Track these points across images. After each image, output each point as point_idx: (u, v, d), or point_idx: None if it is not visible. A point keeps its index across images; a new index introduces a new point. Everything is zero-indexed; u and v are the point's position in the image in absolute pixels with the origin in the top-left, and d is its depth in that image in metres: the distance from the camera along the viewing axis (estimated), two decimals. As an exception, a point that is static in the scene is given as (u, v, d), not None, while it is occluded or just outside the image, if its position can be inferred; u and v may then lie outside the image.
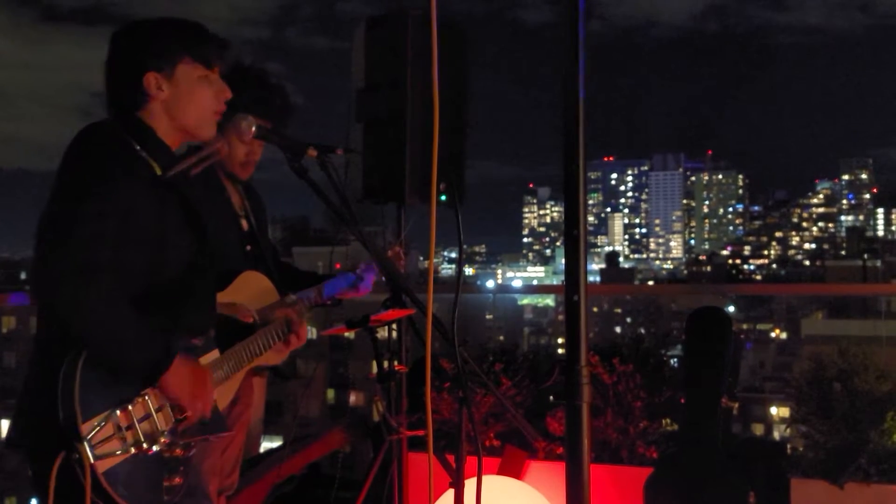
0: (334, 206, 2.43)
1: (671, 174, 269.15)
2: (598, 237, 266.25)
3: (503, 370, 4.84)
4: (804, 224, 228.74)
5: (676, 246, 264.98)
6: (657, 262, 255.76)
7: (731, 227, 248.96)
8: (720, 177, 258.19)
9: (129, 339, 2.19)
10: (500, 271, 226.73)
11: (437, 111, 2.18)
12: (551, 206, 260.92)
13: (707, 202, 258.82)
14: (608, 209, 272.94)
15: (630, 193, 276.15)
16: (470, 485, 2.65)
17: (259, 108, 3.07)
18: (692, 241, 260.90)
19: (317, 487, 4.45)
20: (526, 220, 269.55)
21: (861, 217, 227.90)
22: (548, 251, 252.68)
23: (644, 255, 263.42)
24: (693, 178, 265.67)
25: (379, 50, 3.67)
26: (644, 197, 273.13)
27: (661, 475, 4.21)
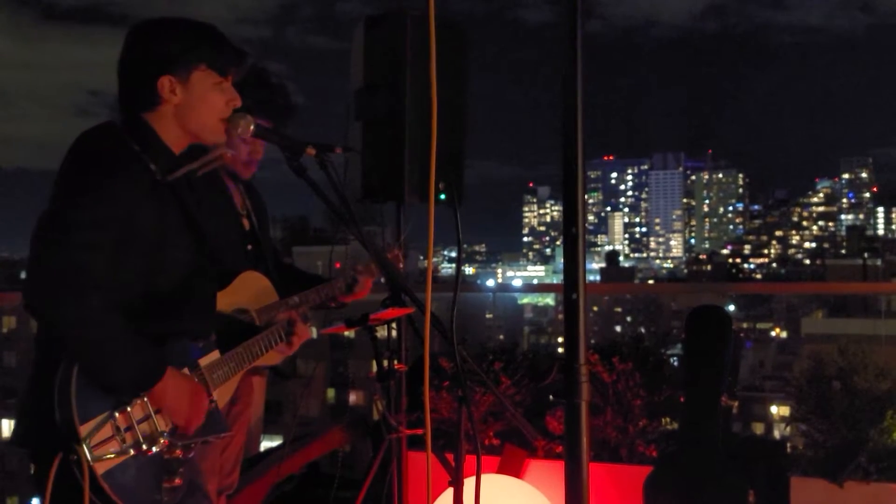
0: (333, 206, 2.43)
1: (671, 173, 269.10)
2: (599, 236, 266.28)
3: (503, 369, 4.84)
4: (804, 223, 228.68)
5: (676, 245, 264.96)
6: (657, 262, 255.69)
7: (731, 226, 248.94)
8: (720, 176, 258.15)
9: (115, 356, 2.17)
10: (500, 270, 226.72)
11: (436, 111, 2.18)
12: (551, 205, 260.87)
13: (707, 201, 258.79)
14: (608, 208, 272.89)
15: (630, 192, 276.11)
16: (469, 483, 2.65)
17: (260, 107, 3.08)
18: (692, 241, 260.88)
19: (316, 486, 4.45)
20: (526, 220, 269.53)
21: (861, 216, 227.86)
22: (548, 250, 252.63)
23: (644, 255, 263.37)
24: (693, 178, 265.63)
25: (378, 49, 3.67)
26: (644, 196, 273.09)
27: (660, 474, 4.21)
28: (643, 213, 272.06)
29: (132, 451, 2.20)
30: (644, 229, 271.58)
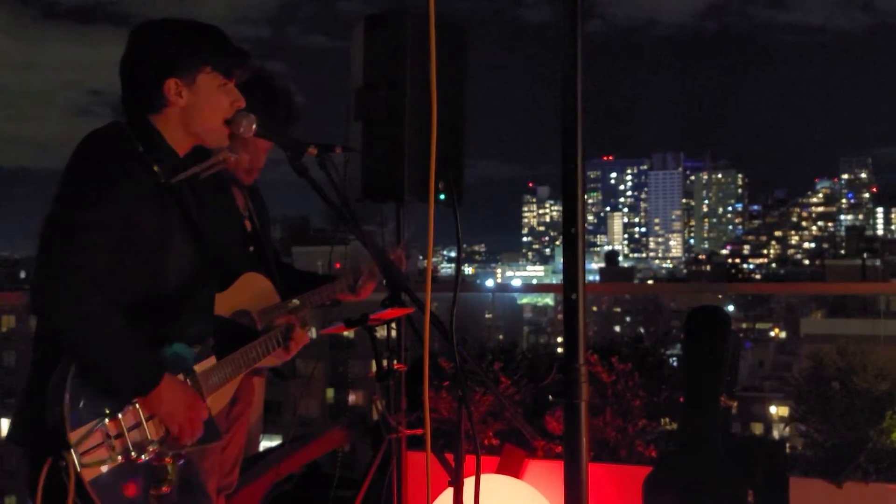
0: (334, 205, 2.43)
1: (670, 173, 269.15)
2: (598, 236, 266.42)
3: (502, 369, 4.84)
4: (803, 223, 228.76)
5: (676, 245, 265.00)
6: (656, 262, 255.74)
7: (730, 227, 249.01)
8: (720, 176, 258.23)
9: (115, 358, 2.17)
10: (499, 270, 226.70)
11: (436, 110, 2.19)
12: (551, 205, 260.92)
13: (706, 201, 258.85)
14: (607, 208, 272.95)
15: (629, 192, 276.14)
16: (469, 483, 2.66)
17: (264, 110, 3.08)
18: (692, 241, 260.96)
19: (316, 486, 4.45)
20: (525, 220, 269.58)
21: (860, 216, 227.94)
22: (547, 250, 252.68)
23: (643, 255, 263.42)
24: (692, 178, 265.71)
25: (378, 49, 3.67)
26: (643, 196, 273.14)
27: (659, 474, 4.21)
28: (642, 214, 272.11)
29: (121, 459, 2.19)
30: (643, 229, 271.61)
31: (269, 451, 4.21)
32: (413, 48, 3.57)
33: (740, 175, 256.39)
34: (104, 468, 2.16)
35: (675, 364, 5.13)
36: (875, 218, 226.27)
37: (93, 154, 2.28)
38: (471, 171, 3.99)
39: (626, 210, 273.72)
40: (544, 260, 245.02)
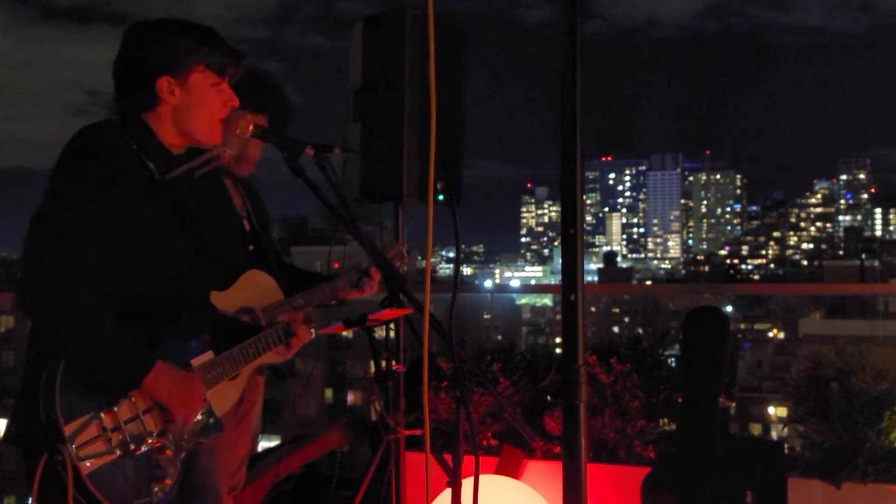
0: (332, 206, 2.42)
1: (669, 174, 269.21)
2: (596, 237, 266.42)
3: (501, 370, 4.84)
4: (802, 224, 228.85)
5: (674, 246, 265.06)
6: (655, 262, 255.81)
7: (728, 227, 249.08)
8: (718, 177, 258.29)
9: (103, 355, 2.18)
10: (498, 271, 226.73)
11: (434, 110, 2.18)
12: (549, 205, 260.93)
13: (705, 202, 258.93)
14: (606, 209, 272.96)
15: (628, 193, 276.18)
16: (467, 484, 2.65)
17: (258, 109, 3.08)
18: (690, 241, 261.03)
19: (315, 486, 4.45)
20: (524, 220, 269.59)
21: (859, 217, 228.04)
22: (546, 251, 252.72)
23: (642, 255, 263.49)
24: (691, 178, 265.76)
25: (377, 49, 3.67)
26: (642, 197, 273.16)
27: (658, 475, 4.21)
28: (641, 214, 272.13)
29: (119, 452, 2.19)
30: (642, 230, 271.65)
31: (269, 451, 4.21)
32: (412, 48, 3.57)
33: (739, 176, 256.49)
34: (102, 461, 2.16)
35: (673, 365, 5.13)
36: (873, 219, 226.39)
37: (84, 149, 2.28)
38: (469, 171, 3.99)
39: (624, 211, 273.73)
40: (543, 260, 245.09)
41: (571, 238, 2.32)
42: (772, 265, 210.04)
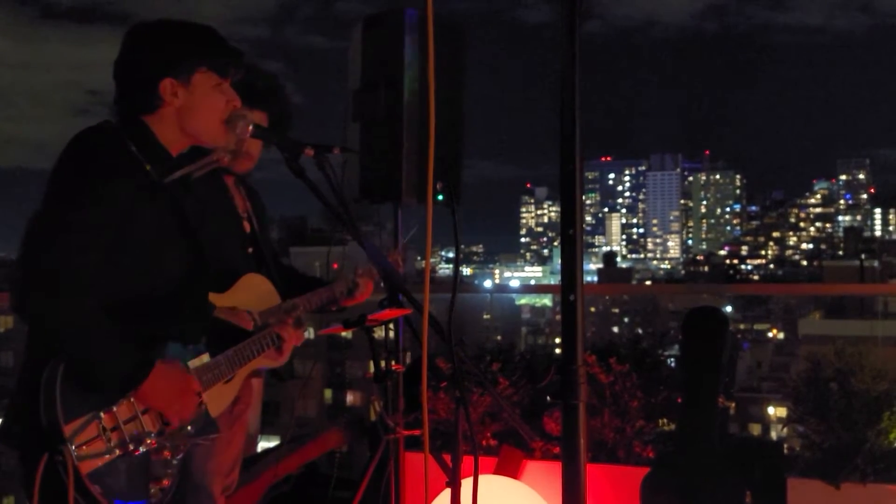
0: (331, 206, 2.42)
1: (669, 174, 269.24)
2: (596, 237, 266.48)
3: (500, 370, 4.84)
4: (801, 224, 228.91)
5: (674, 246, 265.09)
6: (654, 262, 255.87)
7: (728, 228, 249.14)
8: (718, 177, 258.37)
9: (102, 356, 2.18)
10: (497, 271, 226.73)
11: (434, 111, 2.18)
12: (549, 205, 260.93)
13: (704, 202, 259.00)
14: (606, 209, 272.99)
15: (627, 193, 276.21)
16: (466, 484, 2.65)
17: (257, 108, 3.08)
18: (690, 241, 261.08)
19: (314, 487, 4.45)
20: (523, 220, 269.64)
21: (858, 217, 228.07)
22: (545, 251, 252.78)
23: (641, 255, 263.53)
24: (691, 179, 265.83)
25: (376, 49, 3.67)
26: (641, 197, 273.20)
27: (657, 475, 4.21)
28: (640, 214, 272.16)
29: (118, 452, 2.19)
30: (641, 230, 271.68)
31: (268, 451, 4.21)
32: (411, 49, 3.57)
33: (738, 176, 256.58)
34: (101, 461, 2.16)
35: (673, 365, 5.13)
36: (873, 219, 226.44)
37: (83, 152, 2.27)
38: (469, 171, 4.00)
39: (624, 211, 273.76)
40: (542, 261, 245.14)
41: (571, 238, 2.32)
42: (771, 265, 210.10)
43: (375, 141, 3.64)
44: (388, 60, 3.61)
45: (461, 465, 2.88)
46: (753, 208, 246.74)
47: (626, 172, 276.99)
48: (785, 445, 5.05)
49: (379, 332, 3.28)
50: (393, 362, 3.37)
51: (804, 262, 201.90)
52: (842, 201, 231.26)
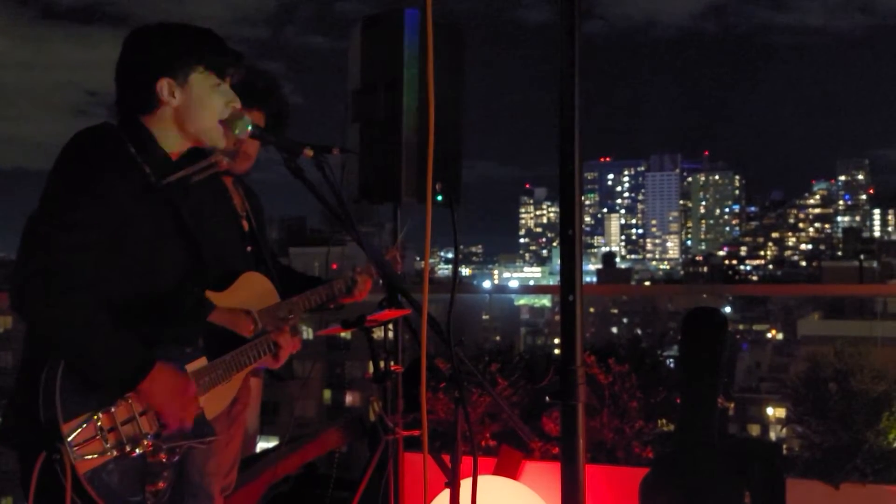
0: (331, 207, 2.42)
1: (668, 175, 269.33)
2: (595, 238, 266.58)
3: (499, 370, 4.84)
4: (801, 225, 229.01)
5: (673, 246, 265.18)
6: (654, 263, 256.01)
7: (727, 228, 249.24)
8: (717, 177, 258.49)
9: (100, 357, 2.17)
10: (496, 271, 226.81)
11: (433, 111, 2.18)
12: (548, 206, 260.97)
13: (704, 203, 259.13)
14: (605, 210, 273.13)
15: (627, 194, 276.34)
16: (466, 485, 2.65)
17: (256, 109, 3.08)
18: (689, 242, 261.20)
19: (313, 487, 4.45)
20: (523, 221, 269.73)
21: (857, 218, 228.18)
22: (544, 251, 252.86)
23: (641, 256, 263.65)
24: (690, 179, 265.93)
25: (376, 49, 3.67)
26: (641, 197, 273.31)
27: (656, 475, 4.21)
28: (640, 215, 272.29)
29: (115, 452, 2.19)
30: (640, 231, 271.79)
31: (267, 452, 4.21)
32: (411, 49, 3.57)
33: (737, 176, 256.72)
34: (98, 462, 2.16)
35: (672, 365, 5.13)
36: (872, 220, 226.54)
37: (81, 153, 2.28)
38: (468, 171, 3.99)
39: (623, 211, 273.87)
40: (541, 261, 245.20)
41: (570, 239, 2.32)
42: (770, 266, 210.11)
43: (375, 141, 3.64)
44: (388, 61, 3.61)
45: (460, 466, 2.88)
46: (752, 209, 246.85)
47: (626, 173, 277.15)
48: (784, 446, 5.06)
49: (378, 333, 3.28)
50: (392, 363, 3.37)
51: (803, 263, 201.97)
52: (841, 202, 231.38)
